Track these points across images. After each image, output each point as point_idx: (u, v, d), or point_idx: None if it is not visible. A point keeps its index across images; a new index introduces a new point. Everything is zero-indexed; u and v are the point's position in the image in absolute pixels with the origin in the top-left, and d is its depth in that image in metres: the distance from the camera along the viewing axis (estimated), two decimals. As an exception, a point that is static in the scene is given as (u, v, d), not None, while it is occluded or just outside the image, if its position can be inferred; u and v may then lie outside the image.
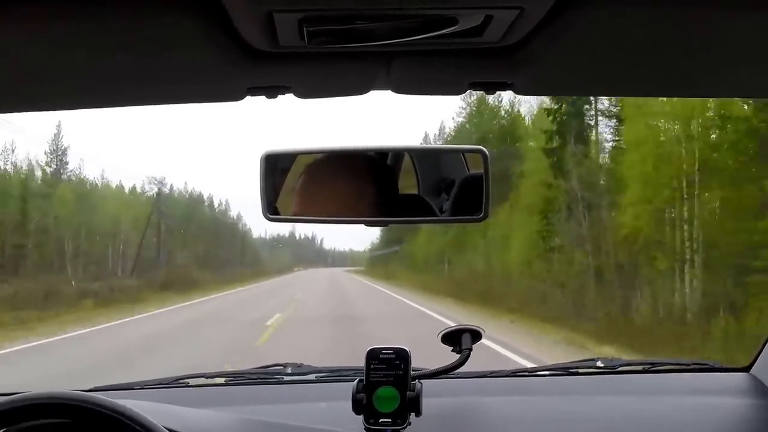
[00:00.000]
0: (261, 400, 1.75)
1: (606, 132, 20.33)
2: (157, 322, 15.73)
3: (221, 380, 1.86)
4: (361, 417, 1.38)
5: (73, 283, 25.47)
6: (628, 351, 9.65)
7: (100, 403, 1.15)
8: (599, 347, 10.30)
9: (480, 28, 0.86)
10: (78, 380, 5.04)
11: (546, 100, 19.63)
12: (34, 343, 11.75)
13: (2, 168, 31.23)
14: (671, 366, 1.97)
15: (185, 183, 75.31)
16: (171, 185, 51.55)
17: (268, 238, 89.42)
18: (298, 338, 11.31)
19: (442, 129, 37.04)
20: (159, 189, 39.89)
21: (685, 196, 14.56)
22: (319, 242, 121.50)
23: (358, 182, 1.25)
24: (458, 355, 1.54)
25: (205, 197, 60.21)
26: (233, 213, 66.87)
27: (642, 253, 15.38)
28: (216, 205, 62.88)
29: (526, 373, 1.98)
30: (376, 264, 55.42)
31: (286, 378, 1.84)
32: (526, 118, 26.76)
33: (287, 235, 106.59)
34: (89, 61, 0.97)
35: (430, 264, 34.12)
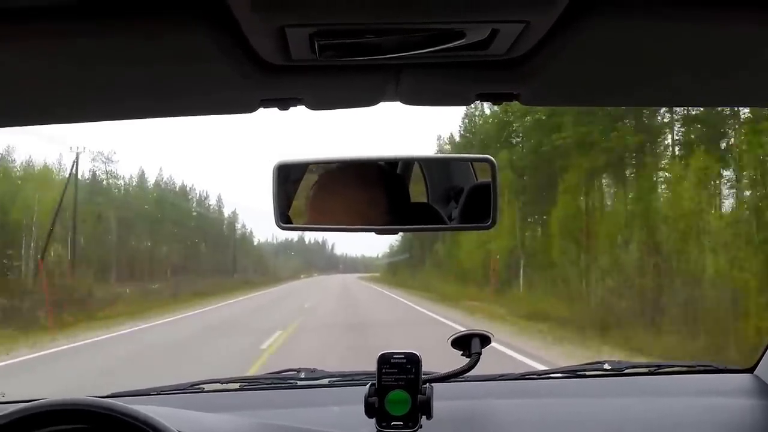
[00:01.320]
0: (275, 404, 1.77)
1: None
2: None
3: (236, 385, 1.88)
4: (373, 420, 1.41)
5: None
6: None
7: (117, 409, 1.17)
8: None
9: (486, 41, 0.88)
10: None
11: None
12: None
13: None
14: (677, 368, 1.98)
15: (160, 169, 63.31)
16: (143, 171, 43.72)
17: (275, 242, 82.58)
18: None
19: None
20: (76, 159, 26.16)
21: None
22: (329, 248, 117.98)
23: (368, 191, 1.27)
24: (468, 359, 1.57)
25: (193, 192, 49.97)
26: (227, 212, 57.42)
27: None
28: (203, 199, 52.17)
29: (535, 376, 2.00)
30: (398, 271, 45.58)
31: (299, 383, 1.86)
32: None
33: (296, 240, 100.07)
34: (105, 75, 1.00)
35: (484, 271, 23.57)
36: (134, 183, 42.60)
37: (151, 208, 40.75)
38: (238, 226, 59.41)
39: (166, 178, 47.33)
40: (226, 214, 56.53)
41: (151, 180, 45.10)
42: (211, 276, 38.36)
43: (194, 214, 49.76)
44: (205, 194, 53.43)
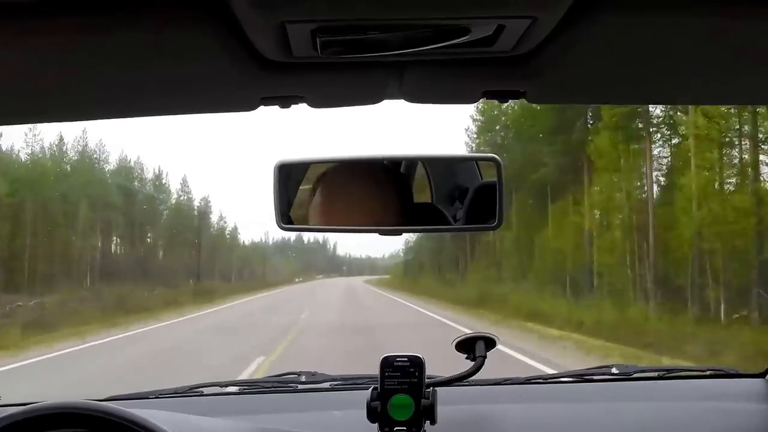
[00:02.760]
0: (275, 408, 1.75)
1: None
2: None
3: (236, 389, 1.86)
4: (375, 425, 1.38)
5: None
6: None
7: (115, 413, 1.16)
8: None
9: (492, 37, 0.86)
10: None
11: None
12: None
13: None
14: (687, 372, 1.97)
15: (83, 131, 35.72)
16: (61, 136, 30.17)
17: (271, 242, 75.91)
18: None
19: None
20: None
21: None
22: (331, 248, 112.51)
23: (371, 191, 1.25)
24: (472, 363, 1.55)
25: (141, 168, 37.31)
26: (197, 199, 44.91)
27: None
28: (157, 178, 38.65)
29: (541, 380, 1.98)
30: (420, 273, 36.11)
31: (300, 386, 1.84)
32: None
33: (293, 239, 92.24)
34: (103, 72, 0.98)
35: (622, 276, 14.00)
36: (37, 147, 29.91)
37: (60, 185, 27.77)
38: (215, 218, 47.30)
39: (93, 146, 33.78)
40: (196, 203, 43.92)
41: (72, 148, 31.69)
42: (169, 280, 28.17)
43: (140, 197, 36.34)
44: (158, 172, 39.68)
